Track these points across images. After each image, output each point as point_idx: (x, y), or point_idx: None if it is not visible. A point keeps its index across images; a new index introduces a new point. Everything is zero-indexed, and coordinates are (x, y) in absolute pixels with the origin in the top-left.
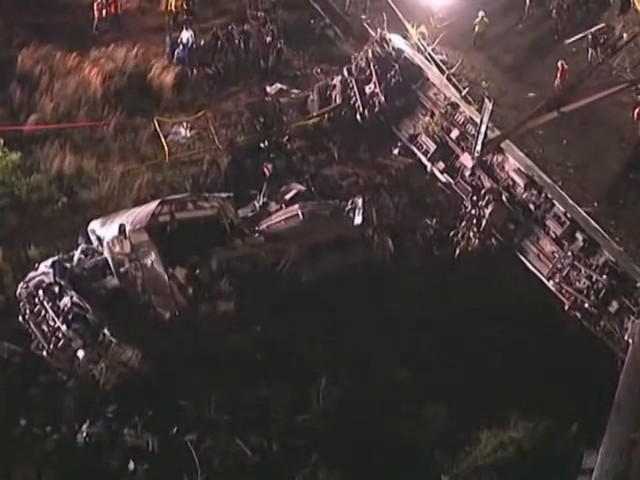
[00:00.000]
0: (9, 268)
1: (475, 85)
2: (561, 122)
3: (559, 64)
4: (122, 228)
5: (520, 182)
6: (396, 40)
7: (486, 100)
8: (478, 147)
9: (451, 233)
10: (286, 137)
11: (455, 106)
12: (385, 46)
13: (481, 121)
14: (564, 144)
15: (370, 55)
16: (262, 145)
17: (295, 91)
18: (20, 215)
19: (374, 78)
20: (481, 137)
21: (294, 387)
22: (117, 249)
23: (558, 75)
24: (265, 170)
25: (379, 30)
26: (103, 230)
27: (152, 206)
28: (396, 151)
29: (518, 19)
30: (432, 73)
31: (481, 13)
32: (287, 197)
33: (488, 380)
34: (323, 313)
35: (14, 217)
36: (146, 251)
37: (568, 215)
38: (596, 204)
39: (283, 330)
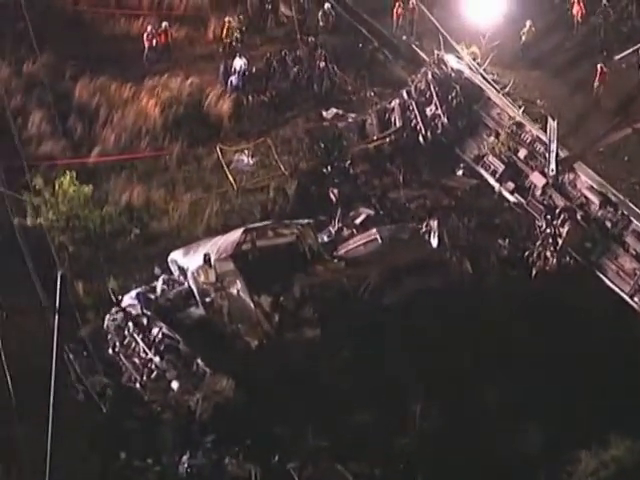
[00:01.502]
0: (90, 302)
1: (530, 104)
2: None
3: (598, 67)
4: (207, 257)
5: (594, 200)
6: (452, 61)
7: (549, 118)
8: (552, 166)
9: (526, 253)
10: (348, 162)
11: (520, 125)
12: (443, 67)
13: (550, 140)
14: (626, 160)
15: (430, 77)
16: (325, 170)
17: (352, 115)
18: (95, 248)
19: (435, 99)
20: (553, 155)
21: (388, 411)
22: (202, 279)
23: (597, 78)
24: (331, 195)
25: (436, 51)
26: (186, 260)
27: (236, 235)
28: (460, 172)
29: (565, 36)
30: (493, 93)
31: (529, 22)
32: (357, 221)
33: (582, 398)
34: (408, 336)
35: (89, 250)
36: (232, 280)
37: None
38: None
39: (371, 354)
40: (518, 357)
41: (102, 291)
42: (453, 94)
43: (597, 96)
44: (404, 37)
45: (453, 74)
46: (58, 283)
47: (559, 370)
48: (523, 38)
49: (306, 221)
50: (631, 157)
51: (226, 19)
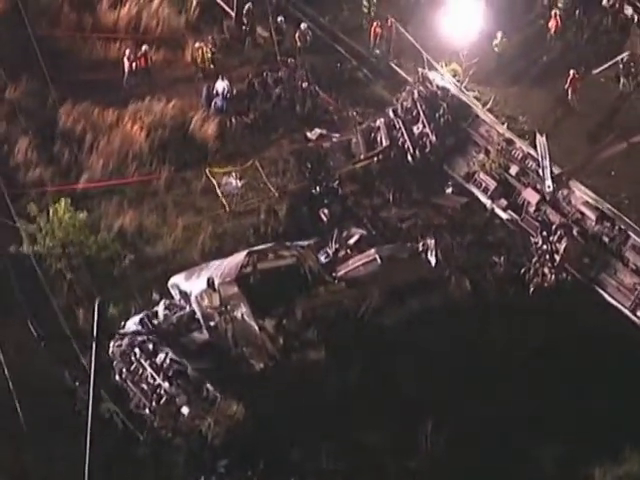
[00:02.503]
0: (91, 328)
1: (512, 120)
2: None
3: (570, 72)
4: (211, 281)
5: (591, 215)
6: (437, 78)
7: (538, 135)
8: (548, 182)
9: (522, 270)
10: (337, 182)
11: (510, 142)
12: (429, 85)
13: (541, 156)
14: (612, 175)
15: (416, 95)
16: (314, 191)
17: (336, 135)
18: (92, 274)
19: (422, 118)
20: (548, 172)
21: (399, 432)
22: (206, 303)
23: (568, 83)
24: (322, 216)
25: (420, 69)
26: (188, 284)
27: (240, 257)
28: (449, 190)
29: (542, 51)
30: (481, 110)
31: (500, 33)
32: (351, 242)
33: (593, 414)
34: (411, 356)
35: (87, 277)
36: (236, 303)
37: None
38: None
39: (377, 375)
40: (526, 374)
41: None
42: (440, 112)
43: (570, 103)
44: (377, 51)
45: (439, 92)
46: (96, 310)
47: (568, 387)
48: (496, 50)
49: (307, 243)
50: (617, 171)
51: (196, 45)
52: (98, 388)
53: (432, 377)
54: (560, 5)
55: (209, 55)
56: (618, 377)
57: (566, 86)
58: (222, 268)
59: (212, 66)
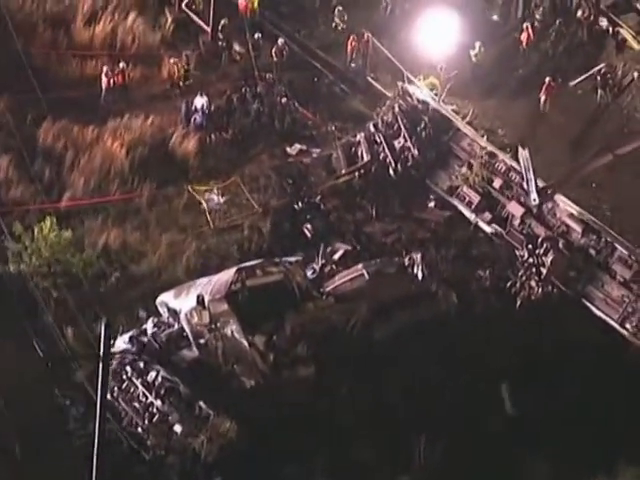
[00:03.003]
0: (81, 347)
1: (491, 133)
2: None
3: (546, 80)
4: (200, 299)
5: (576, 228)
6: (417, 92)
7: (520, 148)
8: (534, 195)
9: (508, 283)
10: (319, 197)
11: (493, 155)
12: (409, 99)
13: (525, 169)
14: (594, 187)
15: (397, 109)
16: (296, 207)
17: (316, 150)
18: (79, 292)
19: (403, 132)
20: (533, 185)
21: (391, 446)
22: (196, 320)
23: (543, 90)
24: (306, 231)
25: (400, 83)
26: (178, 302)
27: (229, 274)
28: (432, 204)
29: (517, 63)
30: (462, 123)
31: (478, 43)
32: (335, 257)
33: (586, 428)
34: (401, 371)
35: (73, 295)
36: (226, 320)
37: (633, 257)
38: None
39: (367, 390)
40: (516, 387)
41: (90, 336)
42: (421, 126)
43: (543, 111)
44: (353, 65)
45: (420, 105)
46: (102, 330)
47: (560, 400)
48: (475, 60)
49: (294, 259)
50: (599, 183)
51: (171, 61)
52: (103, 408)
53: (422, 390)
54: (538, 17)
55: (183, 72)
56: (610, 390)
57: (540, 93)
58: (211, 285)
59: (187, 82)
